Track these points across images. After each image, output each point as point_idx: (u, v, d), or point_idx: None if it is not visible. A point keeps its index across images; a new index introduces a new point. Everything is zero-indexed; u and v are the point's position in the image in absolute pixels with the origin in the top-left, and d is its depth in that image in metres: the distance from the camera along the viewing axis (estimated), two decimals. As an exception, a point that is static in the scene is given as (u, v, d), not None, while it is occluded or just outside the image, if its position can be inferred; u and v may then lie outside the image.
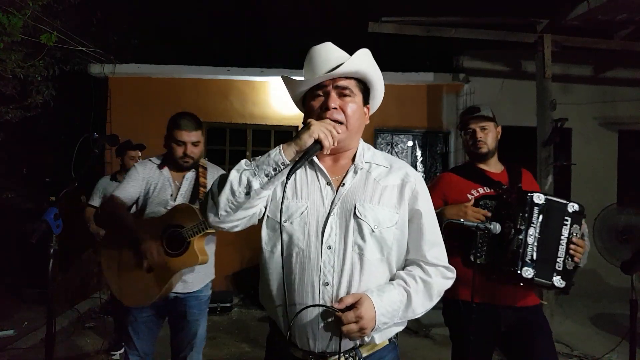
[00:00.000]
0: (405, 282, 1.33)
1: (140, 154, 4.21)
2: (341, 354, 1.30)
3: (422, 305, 1.35)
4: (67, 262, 5.30)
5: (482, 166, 2.28)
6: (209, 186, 2.43)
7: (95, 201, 4.20)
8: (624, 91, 6.44)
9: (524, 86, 5.92)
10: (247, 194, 1.27)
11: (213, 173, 2.54)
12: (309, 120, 1.32)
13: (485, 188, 2.20)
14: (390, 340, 1.40)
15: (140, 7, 6.81)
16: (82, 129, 5.60)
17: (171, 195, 2.41)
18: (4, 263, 5.63)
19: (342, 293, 1.28)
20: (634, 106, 6.35)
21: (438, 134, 6.56)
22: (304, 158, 1.26)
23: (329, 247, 1.30)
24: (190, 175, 2.47)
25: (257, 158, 1.33)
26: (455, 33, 5.23)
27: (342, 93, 1.37)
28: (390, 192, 1.38)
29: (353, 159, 1.43)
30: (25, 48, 4.77)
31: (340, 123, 1.35)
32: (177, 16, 7.61)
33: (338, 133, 1.31)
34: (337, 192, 1.37)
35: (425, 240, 1.39)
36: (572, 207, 1.99)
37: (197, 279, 2.44)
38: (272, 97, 6.35)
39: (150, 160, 2.51)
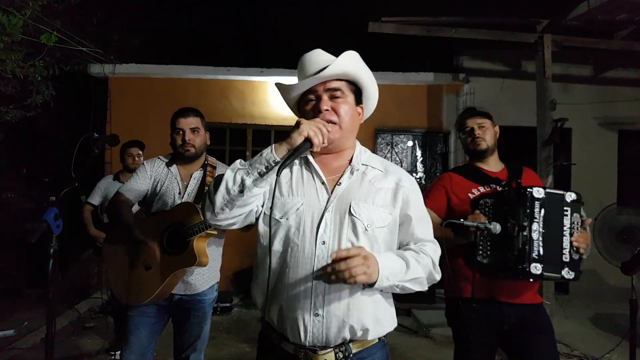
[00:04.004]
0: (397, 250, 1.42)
1: (140, 152, 4.19)
2: (331, 349, 1.33)
3: (421, 270, 1.36)
4: (67, 262, 5.30)
5: (482, 165, 2.29)
6: None
7: (95, 200, 4.19)
8: (624, 91, 6.44)
9: (524, 86, 5.92)
10: (241, 191, 1.31)
11: (221, 172, 2.53)
12: (299, 119, 1.36)
13: (485, 187, 2.21)
14: (380, 338, 1.43)
15: (140, 7, 6.81)
16: (82, 129, 5.61)
17: (179, 194, 2.41)
18: (4, 263, 5.63)
19: (335, 287, 1.32)
20: (634, 106, 6.34)
21: (438, 134, 6.56)
22: (293, 155, 1.29)
23: (323, 243, 1.34)
24: (197, 174, 2.48)
25: (252, 157, 1.37)
26: (455, 33, 5.24)
27: (333, 95, 1.41)
28: (385, 194, 1.43)
29: (350, 161, 1.46)
30: (25, 48, 4.77)
31: (334, 123, 1.39)
32: (177, 16, 7.61)
33: (329, 131, 1.35)
34: (333, 191, 1.40)
35: (415, 238, 1.45)
36: (570, 196, 1.98)
37: (200, 281, 2.42)
38: (272, 97, 6.35)
39: (159, 158, 2.52)
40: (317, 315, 1.32)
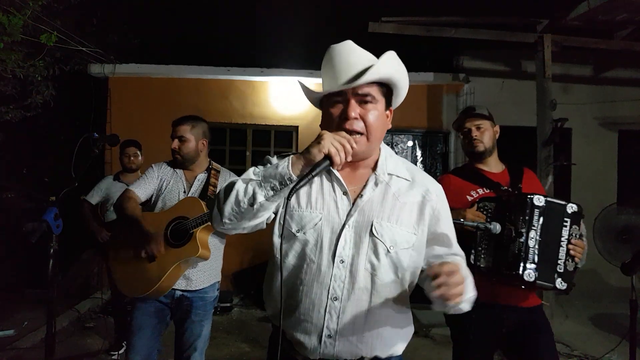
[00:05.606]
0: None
1: (137, 152, 4.18)
2: None
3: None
4: (67, 262, 5.30)
5: (482, 166, 2.28)
6: (219, 187, 2.56)
7: (93, 199, 4.18)
8: (624, 91, 6.43)
9: (524, 86, 5.92)
10: (252, 205, 1.20)
11: (225, 176, 2.67)
12: (322, 132, 1.23)
13: (484, 189, 2.19)
14: None
15: (140, 7, 6.81)
16: (82, 129, 5.60)
17: (184, 192, 2.54)
18: (4, 263, 5.63)
19: (350, 309, 1.26)
20: (634, 106, 6.34)
21: (438, 134, 6.56)
22: (310, 175, 1.16)
23: (342, 261, 1.26)
24: (202, 176, 2.60)
25: (267, 167, 1.26)
26: (455, 33, 5.24)
27: (363, 100, 1.27)
28: (410, 210, 1.32)
29: (374, 168, 1.35)
30: (25, 48, 4.77)
31: (360, 134, 1.27)
32: (177, 16, 7.61)
33: (353, 147, 1.21)
34: (354, 203, 1.30)
35: (454, 251, 1.38)
36: (572, 207, 1.98)
37: (201, 277, 2.48)
38: (272, 97, 6.35)
39: (165, 162, 2.66)
40: (329, 337, 1.26)
